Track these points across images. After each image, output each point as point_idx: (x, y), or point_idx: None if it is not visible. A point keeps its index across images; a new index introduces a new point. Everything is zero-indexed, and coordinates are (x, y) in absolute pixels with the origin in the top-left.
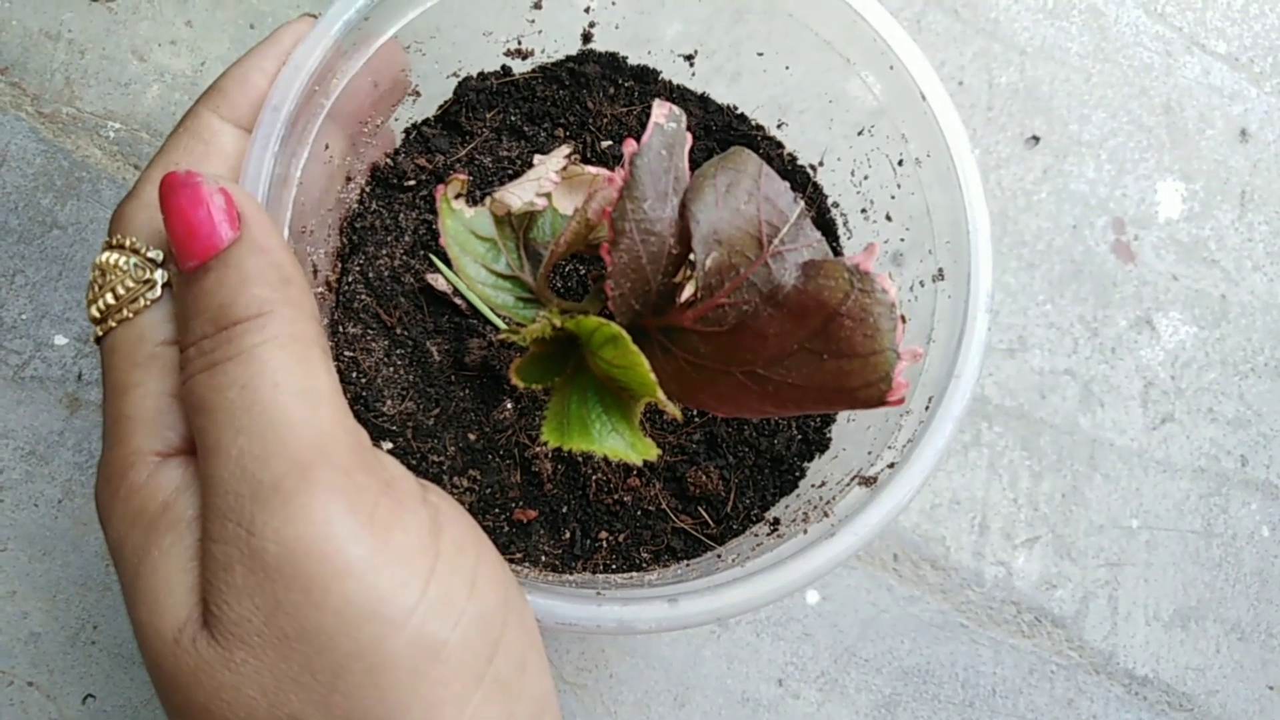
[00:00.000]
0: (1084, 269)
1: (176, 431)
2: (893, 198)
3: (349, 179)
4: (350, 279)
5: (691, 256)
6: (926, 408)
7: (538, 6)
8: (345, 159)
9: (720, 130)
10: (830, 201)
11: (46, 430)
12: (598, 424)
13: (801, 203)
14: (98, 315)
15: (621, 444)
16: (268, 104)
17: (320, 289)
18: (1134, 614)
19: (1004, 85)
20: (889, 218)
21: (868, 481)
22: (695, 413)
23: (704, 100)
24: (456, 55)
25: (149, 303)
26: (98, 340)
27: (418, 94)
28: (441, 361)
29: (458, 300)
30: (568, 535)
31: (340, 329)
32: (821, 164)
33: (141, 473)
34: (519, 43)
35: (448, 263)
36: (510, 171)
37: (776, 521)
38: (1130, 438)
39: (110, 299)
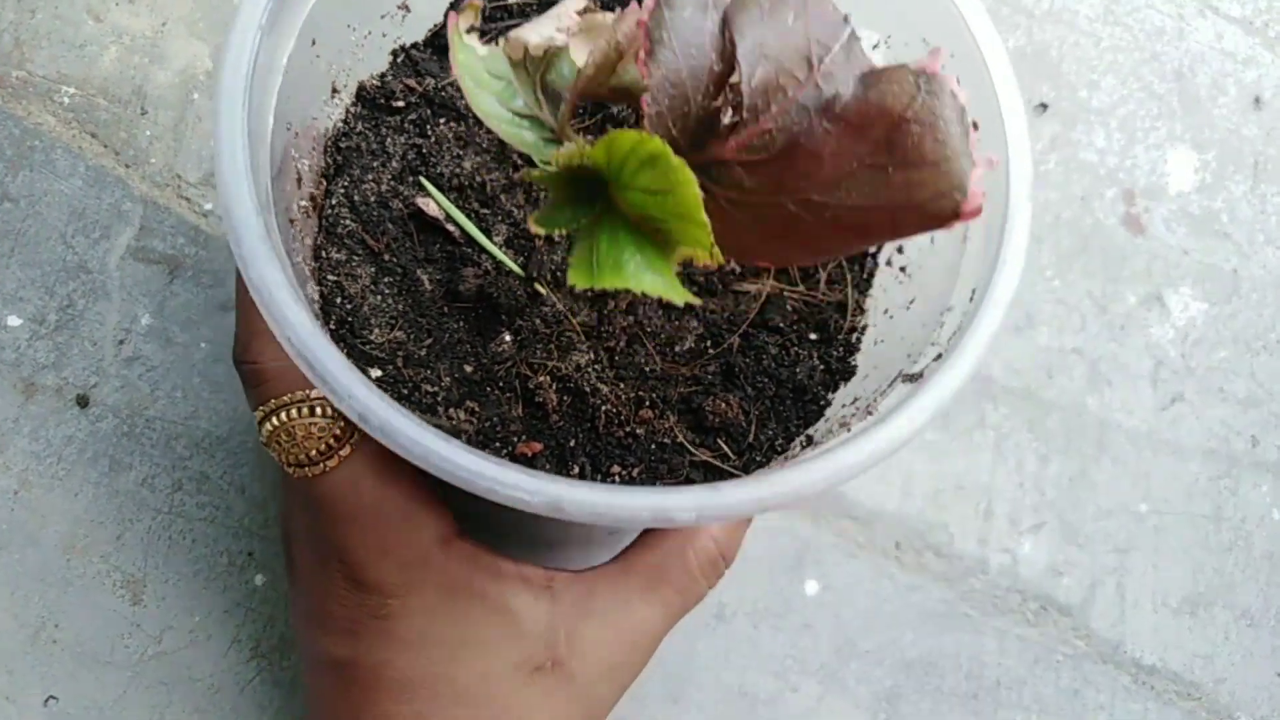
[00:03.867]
0: (1093, 242)
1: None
2: None
3: (334, 90)
4: (334, 201)
5: (734, 78)
6: (970, 298)
7: None
8: (331, 66)
9: None
10: None
11: (0, 417)
12: (631, 263)
13: (852, 24)
14: (301, 463)
15: (660, 282)
16: None
17: (305, 203)
18: (1142, 601)
19: (1011, 49)
20: None
21: (912, 378)
22: (708, 342)
23: None
24: None
25: (354, 447)
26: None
27: (406, 9)
28: (433, 291)
29: (450, 227)
30: (576, 470)
31: (323, 254)
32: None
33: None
34: None
35: (439, 186)
36: None
37: (810, 439)
38: (1139, 419)
39: (314, 454)
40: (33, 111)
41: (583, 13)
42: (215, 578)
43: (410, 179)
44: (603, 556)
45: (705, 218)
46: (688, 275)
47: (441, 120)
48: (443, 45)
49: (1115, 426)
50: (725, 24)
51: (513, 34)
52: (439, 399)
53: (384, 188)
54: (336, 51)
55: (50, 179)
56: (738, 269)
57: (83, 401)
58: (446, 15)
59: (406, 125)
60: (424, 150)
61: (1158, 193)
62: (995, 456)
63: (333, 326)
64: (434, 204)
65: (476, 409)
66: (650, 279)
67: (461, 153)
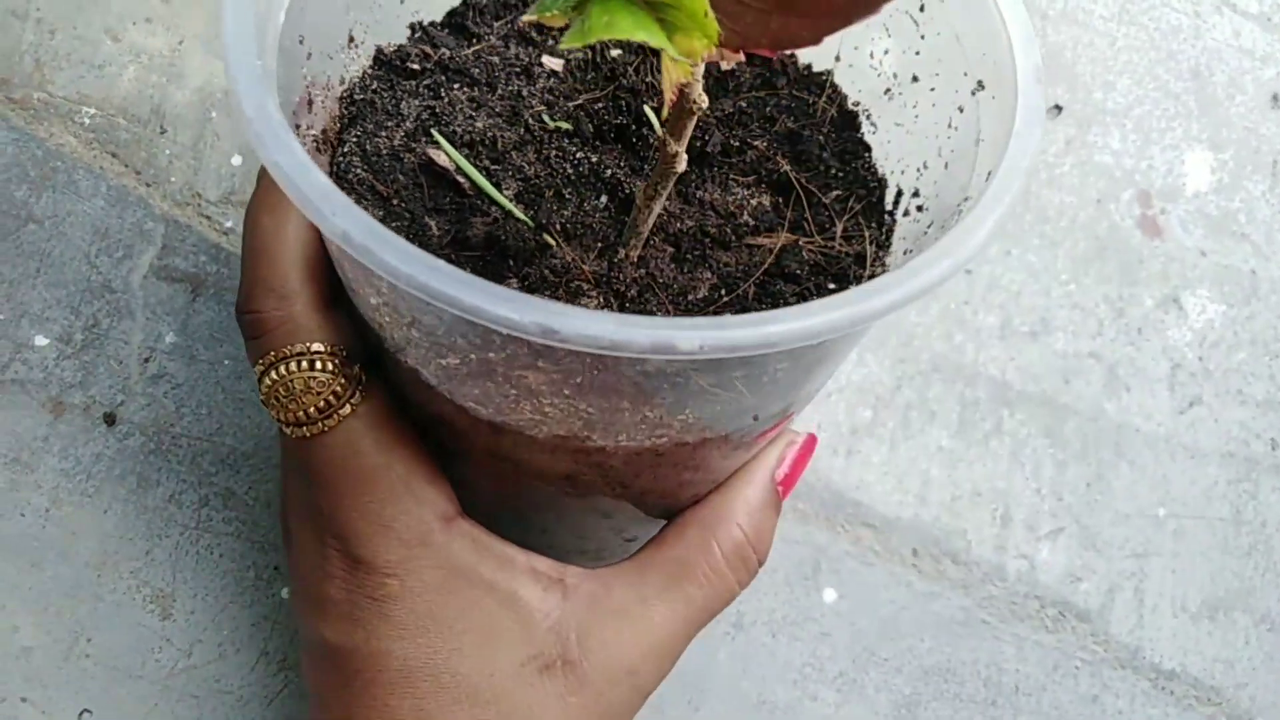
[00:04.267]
0: (1109, 246)
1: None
2: (917, 53)
3: (351, 39)
4: (346, 149)
5: None
6: (986, 179)
7: None
8: (350, 10)
9: None
10: (851, 101)
11: (30, 436)
12: (625, 20)
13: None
14: (299, 421)
15: (656, 37)
16: None
17: (315, 134)
18: (1161, 606)
19: None
20: (915, 78)
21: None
22: (722, 291)
23: None
24: None
25: (354, 407)
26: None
27: None
28: (440, 238)
29: (460, 178)
30: None
31: None
32: (838, 59)
33: (439, 534)
34: None
35: (451, 141)
36: (519, 71)
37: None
38: (1157, 423)
39: (312, 411)
40: (55, 133)
41: None
42: (243, 591)
43: (423, 137)
44: (616, 552)
45: None
46: (700, 230)
47: (456, 85)
48: (459, 24)
49: (1133, 431)
50: None
51: None
52: None
53: (396, 142)
54: None
55: (73, 199)
56: (750, 221)
57: (110, 419)
58: None
59: (421, 89)
60: (437, 110)
61: (1174, 194)
62: (1012, 462)
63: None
64: (445, 155)
65: None
66: (644, 33)
67: (474, 114)
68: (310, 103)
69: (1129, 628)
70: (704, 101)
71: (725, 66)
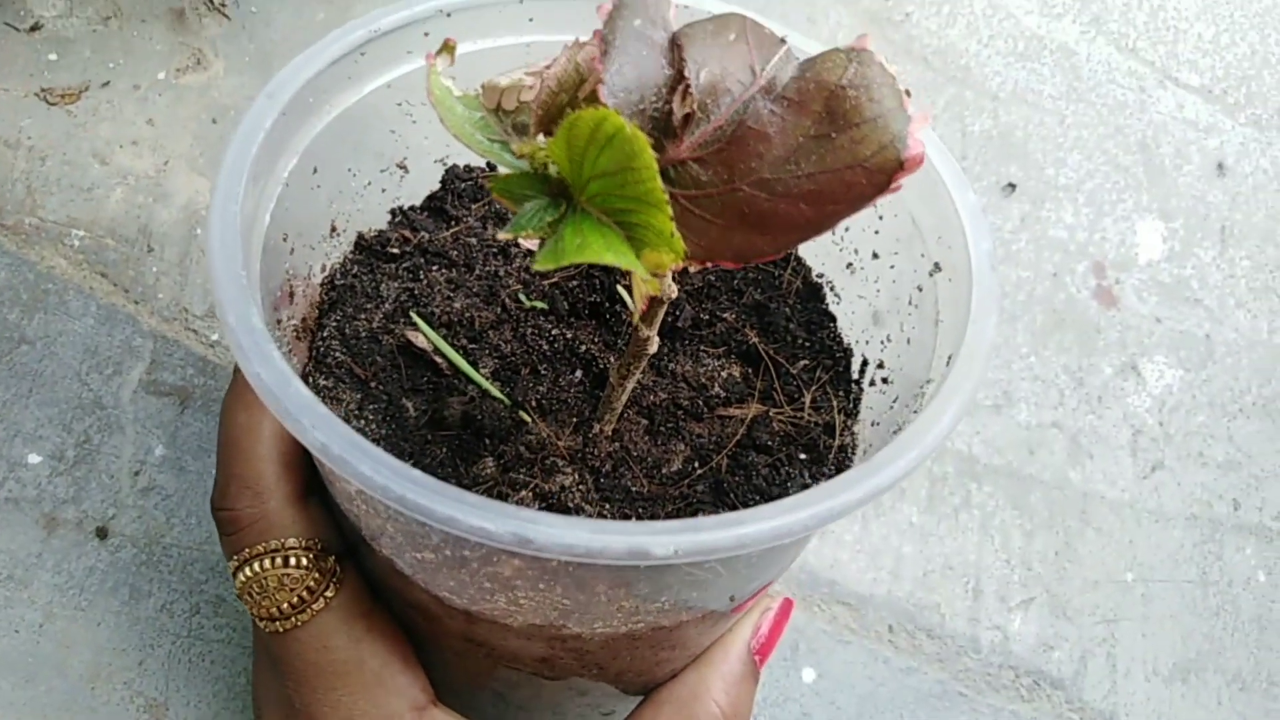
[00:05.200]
0: (1066, 317)
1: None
2: (876, 232)
3: (334, 229)
4: (325, 334)
5: (686, 77)
6: (948, 362)
7: None
8: (332, 204)
9: None
10: (815, 273)
11: (24, 553)
12: (596, 243)
13: (790, 44)
14: (272, 616)
15: (625, 258)
16: (265, 91)
17: (295, 323)
18: (1133, 670)
19: (977, 133)
20: (875, 255)
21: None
22: (696, 464)
23: None
24: (446, 138)
25: (328, 601)
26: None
27: (404, 169)
28: (417, 418)
29: (437, 359)
30: None
31: (310, 380)
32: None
33: None
34: None
35: (430, 324)
36: (495, 252)
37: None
38: (1121, 489)
39: (285, 607)
40: (45, 255)
41: (548, 67)
42: (235, 696)
43: (401, 318)
44: None
45: (665, 197)
46: (673, 402)
47: (434, 268)
48: (439, 208)
49: (1098, 498)
50: (674, 39)
51: (485, 81)
52: None
53: (375, 324)
54: (337, 190)
55: (64, 319)
56: (720, 392)
57: (102, 533)
58: (428, 63)
59: (401, 271)
60: (416, 292)
61: (1128, 264)
62: (982, 535)
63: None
64: (423, 336)
65: None
66: (613, 255)
67: (452, 295)
68: (292, 294)
69: (1103, 694)
70: (674, 293)
71: (692, 270)
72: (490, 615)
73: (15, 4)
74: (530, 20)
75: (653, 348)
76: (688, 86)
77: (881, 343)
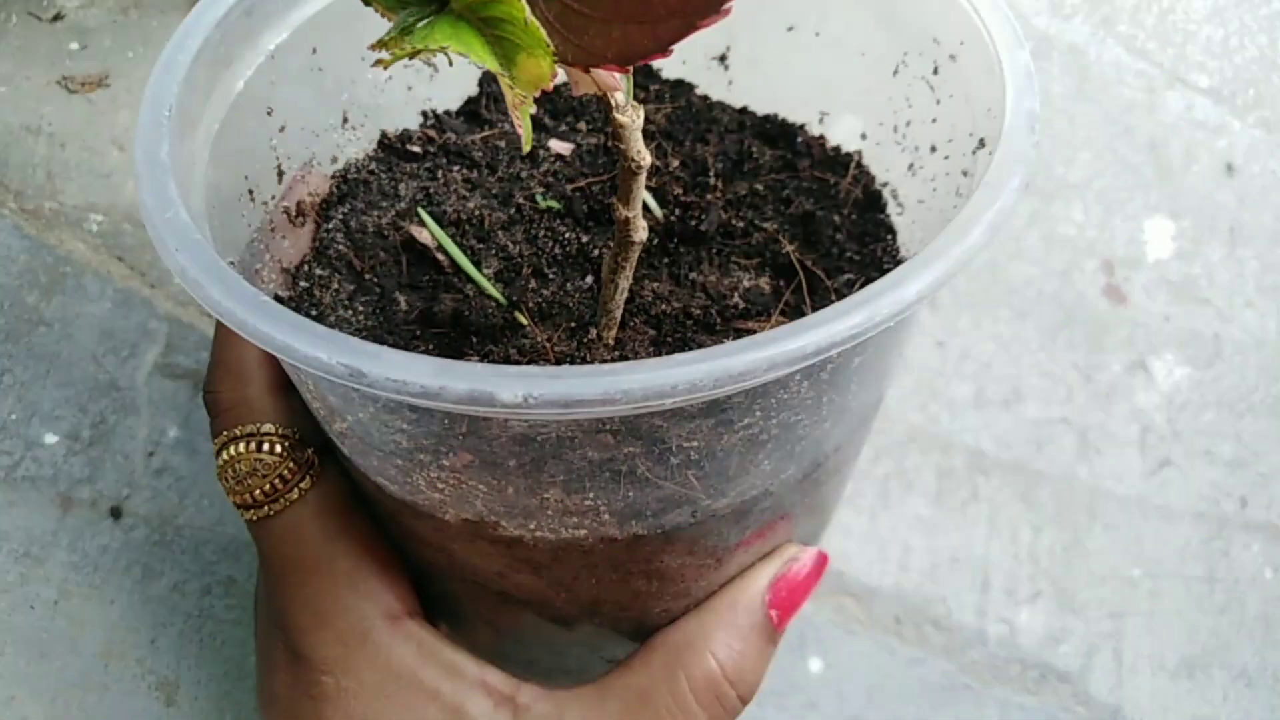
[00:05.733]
0: (1075, 314)
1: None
2: (934, 120)
3: (345, 119)
4: (330, 226)
5: None
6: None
7: None
8: (343, 93)
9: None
10: (879, 182)
11: (40, 531)
12: (445, 30)
13: None
14: (247, 504)
15: (488, 61)
16: None
17: (288, 205)
18: (1139, 665)
19: None
20: (934, 148)
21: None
22: None
23: (743, 113)
24: None
25: (303, 493)
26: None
27: (433, 66)
28: (408, 313)
29: (440, 257)
30: None
31: (306, 268)
32: (864, 137)
33: (382, 633)
34: None
35: (440, 222)
36: (522, 156)
37: None
38: (1129, 485)
39: (259, 494)
40: (64, 239)
41: None
42: (244, 677)
43: (412, 216)
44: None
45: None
46: (685, 313)
47: (455, 168)
48: (473, 111)
49: (1106, 494)
50: None
51: None
52: None
53: (385, 220)
54: (348, 79)
55: (81, 302)
56: (740, 304)
57: (116, 513)
58: None
59: (420, 171)
60: (431, 191)
61: (1136, 262)
62: (989, 529)
63: None
64: (427, 232)
65: None
66: (458, 43)
67: (468, 195)
68: (280, 172)
69: (1109, 687)
70: (645, 159)
71: (577, 92)
72: (425, 508)
73: None
74: None
75: (640, 235)
76: None
77: None
